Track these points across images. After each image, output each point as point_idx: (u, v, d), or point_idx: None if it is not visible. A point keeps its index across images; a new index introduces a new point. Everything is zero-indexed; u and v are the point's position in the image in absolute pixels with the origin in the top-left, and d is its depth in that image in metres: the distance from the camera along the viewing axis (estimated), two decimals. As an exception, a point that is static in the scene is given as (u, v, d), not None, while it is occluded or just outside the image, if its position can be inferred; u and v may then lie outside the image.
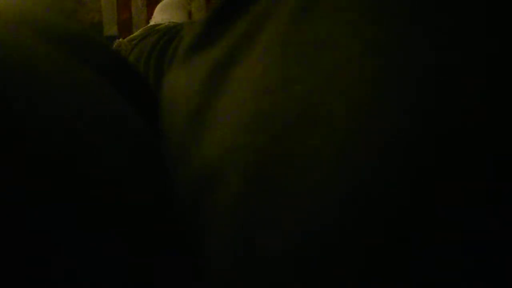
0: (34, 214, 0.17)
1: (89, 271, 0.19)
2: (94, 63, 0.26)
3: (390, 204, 0.15)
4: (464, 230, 0.14)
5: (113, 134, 0.22)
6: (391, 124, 0.15)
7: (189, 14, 1.39)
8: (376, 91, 0.16)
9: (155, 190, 0.23)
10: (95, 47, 0.28)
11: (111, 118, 0.23)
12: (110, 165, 0.21)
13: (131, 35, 1.30)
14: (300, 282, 0.17)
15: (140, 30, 1.33)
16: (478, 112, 0.14)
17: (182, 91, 0.25)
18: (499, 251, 0.14)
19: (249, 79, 0.21)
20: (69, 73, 0.23)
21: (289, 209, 0.17)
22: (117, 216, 0.20)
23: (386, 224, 0.15)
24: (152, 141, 0.26)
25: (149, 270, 0.21)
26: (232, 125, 0.20)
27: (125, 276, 0.20)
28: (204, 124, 0.22)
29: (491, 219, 0.14)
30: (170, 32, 1.20)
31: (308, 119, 0.17)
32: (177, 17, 1.35)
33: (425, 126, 0.15)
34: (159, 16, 1.36)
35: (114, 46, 1.21)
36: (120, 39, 1.27)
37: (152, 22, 1.36)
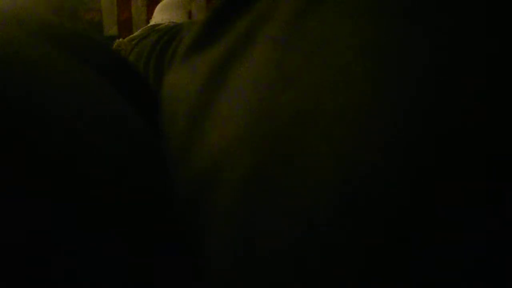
0: (34, 214, 0.17)
1: (89, 271, 0.19)
2: (94, 63, 0.26)
3: (390, 204, 0.15)
4: (464, 230, 0.14)
5: (113, 134, 0.22)
6: (391, 124, 0.15)
7: (189, 14, 1.39)
8: (376, 91, 0.16)
9: (155, 190, 0.23)
10: (95, 47, 0.28)
11: (111, 118, 0.23)
12: (110, 165, 0.21)
13: (131, 35, 1.30)
14: (300, 282, 0.17)
15: (140, 30, 1.32)
16: (478, 112, 0.14)
17: (182, 91, 0.25)
18: (499, 251, 0.14)
19: (249, 79, 0.21)
20: (69, 73, 0.23)
21: (289, 209, 0.17)
22: (117, 216, 0.20)
23: (386, 224, 0.15)
24: (152, 141, 0.26)
25: (149, 270, 0.21)
26: (232, 125, 0.20)
27: (125, 276, 0.20)
28: (204, 124, 0.22)
29: (491, 219, 0.14)
30: (170, 32, 1.20)
31: (308, 118, 0.17)
32: (177, 17, 1.34)
33: (425, 126, 0.15)
34: (159, 16, 1.36)
35: (114, 46, 1.20)
36: (120, 39, 1.26)
37: (152, 22, 1.35)
